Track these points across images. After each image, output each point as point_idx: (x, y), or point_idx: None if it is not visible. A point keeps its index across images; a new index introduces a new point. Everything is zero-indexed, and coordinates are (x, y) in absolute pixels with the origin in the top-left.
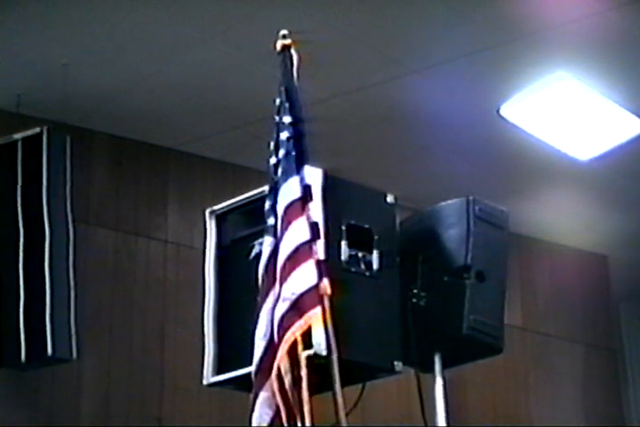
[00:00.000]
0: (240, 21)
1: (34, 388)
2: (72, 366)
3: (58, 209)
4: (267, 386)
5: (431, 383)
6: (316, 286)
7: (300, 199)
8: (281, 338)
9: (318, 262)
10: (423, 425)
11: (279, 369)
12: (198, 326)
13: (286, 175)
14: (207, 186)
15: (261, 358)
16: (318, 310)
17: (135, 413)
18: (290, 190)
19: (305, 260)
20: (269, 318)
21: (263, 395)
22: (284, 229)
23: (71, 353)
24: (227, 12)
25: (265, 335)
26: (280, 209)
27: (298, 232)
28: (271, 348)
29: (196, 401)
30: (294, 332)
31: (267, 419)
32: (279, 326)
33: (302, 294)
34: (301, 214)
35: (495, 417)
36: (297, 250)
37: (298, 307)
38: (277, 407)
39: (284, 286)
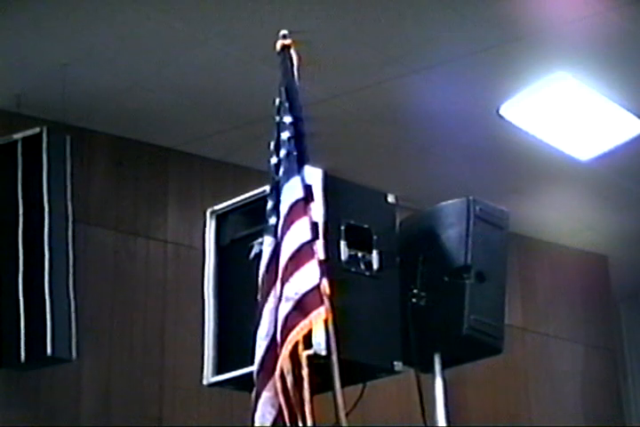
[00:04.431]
0: (240, 21)
1: (34, 388)
2: (72, 366)
3: (58, 209)
4: (269, 386)
5: (431, 383)
6: (319, 286)
7: (302, 199)
8: (284, 338)
9: (320, 262)
10: (423, 425)
11: (282, 369)
12: (198, 326)
13: (288, 175)
14: (207, 186)
15: (263, 358)
16: (322, 309)
17: (135, 413)
18: (292, 190)
19: (308, 259)
20: (272, 317)
21: (266, 394)
22: (286, 228)
23: (71, 353)
24: (227, 12)
25: (267, 335)
26: (284, 209)
27: (300, 232)
28: (273, 347)
29: (195, 401)
30: (298, 332)
31: (269, 418)
32: (283, 326)
33: (305, 294)
34: (304, 214)
35: (495, 417)
36: (299, 250)
37: (301, 307)
38: (280, 407)
39: (287, 285)
